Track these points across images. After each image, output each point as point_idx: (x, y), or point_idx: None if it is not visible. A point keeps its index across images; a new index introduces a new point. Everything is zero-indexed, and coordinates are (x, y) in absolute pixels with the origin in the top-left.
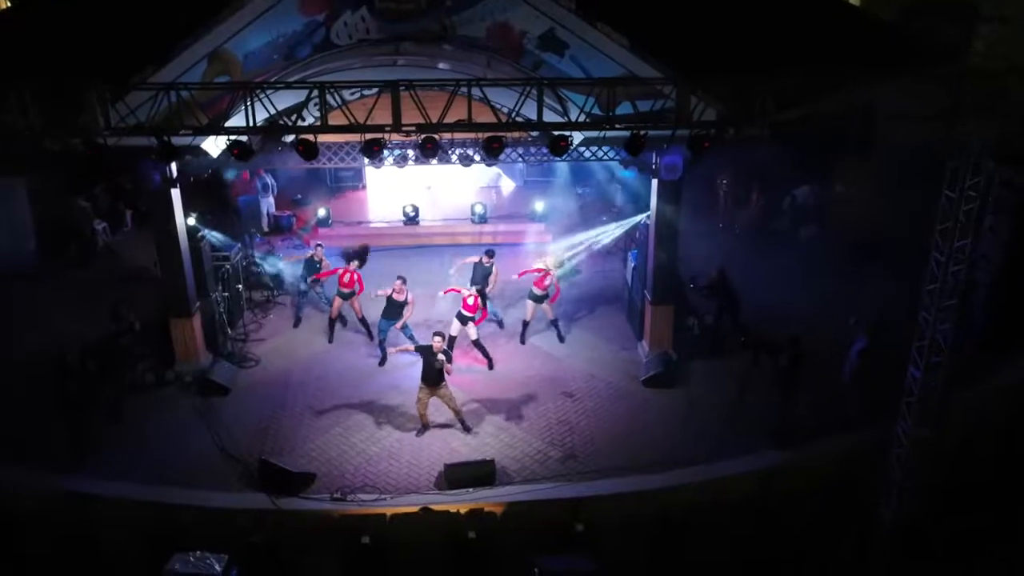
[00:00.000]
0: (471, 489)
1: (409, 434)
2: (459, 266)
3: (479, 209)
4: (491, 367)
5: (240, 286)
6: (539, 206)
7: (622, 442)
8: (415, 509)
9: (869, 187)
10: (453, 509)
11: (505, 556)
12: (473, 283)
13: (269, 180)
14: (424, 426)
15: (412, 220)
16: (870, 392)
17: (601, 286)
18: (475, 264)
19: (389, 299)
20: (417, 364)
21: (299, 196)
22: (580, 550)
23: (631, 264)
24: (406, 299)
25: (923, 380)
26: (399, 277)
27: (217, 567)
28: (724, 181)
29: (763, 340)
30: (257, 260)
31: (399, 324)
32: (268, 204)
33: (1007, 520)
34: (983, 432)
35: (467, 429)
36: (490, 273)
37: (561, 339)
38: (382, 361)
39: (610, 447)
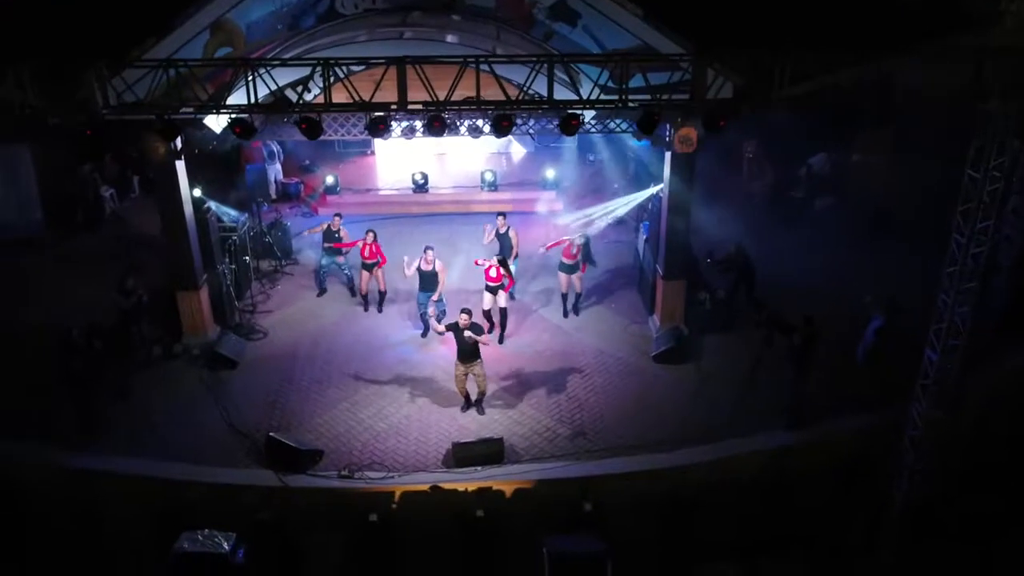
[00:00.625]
0: (479, 467)
1: (416, 410)
2: (491, 238)
3: (489, 177)
4: (501, 340)
5: (247, 257)
6: (550, 173)
7: (631, 419)
8: (423, 487)
9: (886, 155)
10: (461, 487)
11: (513, 535)
12: (502, 253)
13: (275, 147)
14: (467, 401)
15: (421, 188)
16: (884, 372)
17: (612, 258)
18: (498, 233)
19: (420, 270)
20: (426, 339)
21: (307, 162)
22: (589, 529)
23: (643, 236)
24: (434, 267)
25: (940, 363)
26: (427, 247)
27: (225, 545)
28: (750, 148)
29: (776, 319)
30: (265, 230)
31: (435, 295)
32: (275, 171)
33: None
34: (999, 414)
35: (481, 411)
36: (509, 238)
37: (575, 312)
38: (424, 332)
39: (619, 424)
